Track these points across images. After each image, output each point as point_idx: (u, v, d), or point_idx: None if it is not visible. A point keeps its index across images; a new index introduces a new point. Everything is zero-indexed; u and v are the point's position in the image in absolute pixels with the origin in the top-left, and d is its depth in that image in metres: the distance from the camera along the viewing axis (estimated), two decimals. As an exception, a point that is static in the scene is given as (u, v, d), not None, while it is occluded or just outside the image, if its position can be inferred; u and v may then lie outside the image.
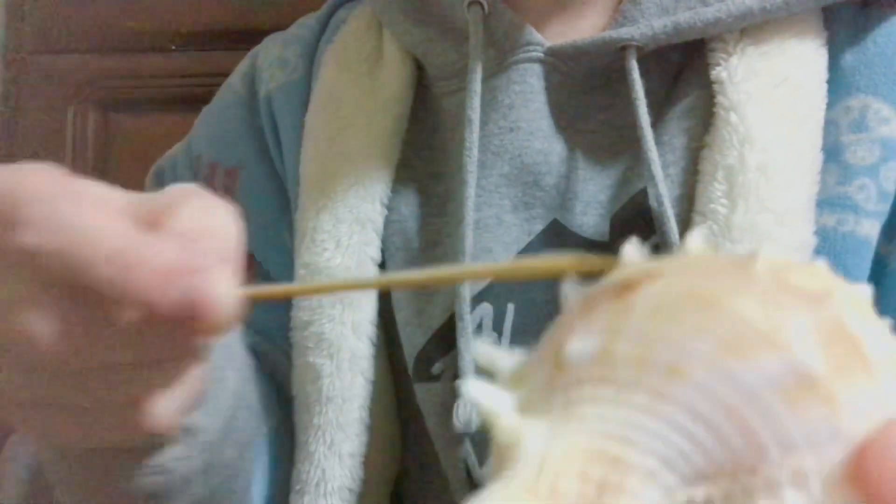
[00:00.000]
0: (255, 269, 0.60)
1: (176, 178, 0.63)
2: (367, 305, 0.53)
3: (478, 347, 0.23)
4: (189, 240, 0.30)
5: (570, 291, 0.22)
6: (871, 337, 0.20)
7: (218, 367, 0.40)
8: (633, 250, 0.23)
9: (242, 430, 0.44)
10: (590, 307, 0.21)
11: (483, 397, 0.21)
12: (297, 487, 0.52)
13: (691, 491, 0.19)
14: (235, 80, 0.63)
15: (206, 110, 0.64)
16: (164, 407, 0.34)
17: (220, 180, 0.60)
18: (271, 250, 0.58)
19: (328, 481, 0.51)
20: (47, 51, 1.15)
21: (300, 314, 0.53)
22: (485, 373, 0.22)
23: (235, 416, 0.42)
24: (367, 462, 0.53)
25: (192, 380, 0.35)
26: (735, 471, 0.19)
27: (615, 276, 0.22)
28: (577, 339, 0.21)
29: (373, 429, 0.53)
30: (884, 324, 0.21)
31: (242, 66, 0.64)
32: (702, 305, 0.20)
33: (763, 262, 0.21)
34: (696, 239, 0.23)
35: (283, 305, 0.57)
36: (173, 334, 0.31)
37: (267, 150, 0.60)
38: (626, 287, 0.21)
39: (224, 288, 0.29)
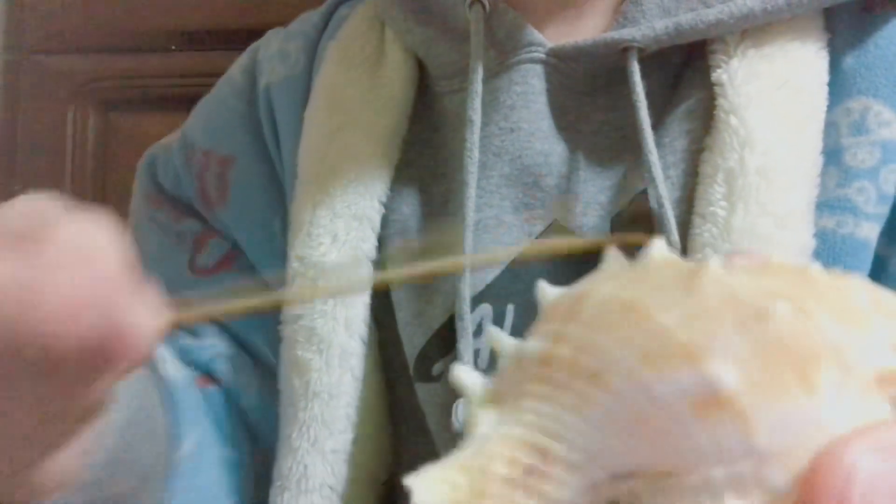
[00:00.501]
0: (238, 260, 0.60)
1: (169, 165, 0.63)
2: (360, 303, 0.53)
3: (491, 332, 0.24)
4: (81, 265, 0.26)
5: (546, 292, 0.24)
6: (819, 354, 0.20)
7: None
8: (660, 246, 0.24)
9: (137, 460, 0.43)
10: (553, 309, 0.23)
11: (464, 381, 0.23)
12: (278, 483, 0.51)
13: (616, 485, 0.20)
14: (235, 72, 0.63)
15: (203, 101, 0.64)
16: (66, 463, 0.30)
17: (213, 169, 0.60)
18: (260, 242, 0.58)
19: (310, 478, 0.51)
20: (47, 51, 1.15)
21: (291, 307, 0.53)
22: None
23: (130, 446, 0.41)
24: (351, 461, 0.52)
25: (93, 426, 0.32)
26: (654, 473, 0.20)
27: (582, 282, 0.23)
28: (533, 340, 0.23)
29: (358, 427, 0.53)
30: (857, 332, 0.21)
31: (243, 58, 0.64)
32: (632, 316, 0.21)
33: (710, 274, 0.21)
34: (659, 246, 0.24)
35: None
36: (79, 378, 0.27)
37: (263, 142, 0.60)
38: (581, 294, 0.23)
39: (140, 315, 0.26)
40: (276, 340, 0.55)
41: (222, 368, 0.57)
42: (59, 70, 1.13)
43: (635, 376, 0.20)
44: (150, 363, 0.51)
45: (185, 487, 0.50)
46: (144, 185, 0.64)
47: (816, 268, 0.22)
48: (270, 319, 0.55)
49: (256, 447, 0.56)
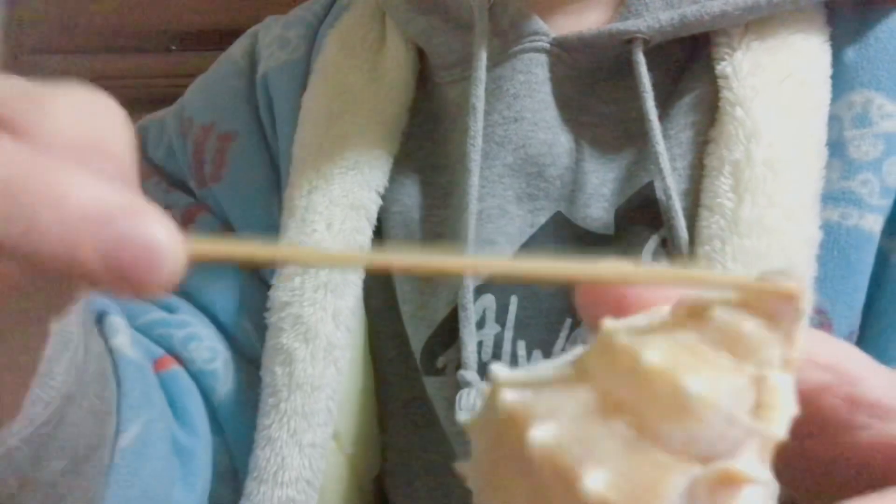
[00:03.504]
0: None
1: (162, 138, 0.62)
2: (349, 294, 0.52)
3: (494, 370, 0.23)
4: (86, 158, 0.22)
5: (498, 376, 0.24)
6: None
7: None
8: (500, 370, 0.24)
9: (73, 438, 0.40)
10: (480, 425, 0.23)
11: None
12: (255, 474, 0.50)
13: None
14: (236, 53, 0.63)
15: (202, 77, 0.64)
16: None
17: (212, 143, 0.59)
18: (254, 221, 0.57)
19: (287, 470, 0.50)
20: (47, 51, 1.15)
21: (279, 294, 0.52)
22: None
23: (62, 422, 0.39)
24: (332, 455, 0.51)
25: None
26: None
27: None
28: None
29: (344, 422, 0.52)
30: (693, 431, 0.21)
31: (244, 40, 0.63)
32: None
33: (533, 441, 0.21)
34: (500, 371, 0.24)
35: (235, 286, 0.56)
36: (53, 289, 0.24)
37: (261, 125, 0.59)
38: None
39: (164, 235, 0.20)
40: (260, 327, 0.53)
41: (195, 350, 0.54)
42: (59, 70, 1.13)
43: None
44: (103, 334, 0.49)
45: (126, 479, 0.47)
46: None
47: (649, 358, 0.21)
48: (256, 305, 0.54)
49: (220, 437, 0.55)
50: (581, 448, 0.21)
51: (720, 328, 0.22)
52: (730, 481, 0.20)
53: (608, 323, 0.22)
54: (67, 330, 0.38)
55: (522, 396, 0.22)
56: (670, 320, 0.22)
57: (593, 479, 0.20)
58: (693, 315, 0.22)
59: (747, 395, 0.21)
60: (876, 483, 0.23)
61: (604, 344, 0.22)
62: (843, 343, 0.25)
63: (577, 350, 0.23)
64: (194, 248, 0.21)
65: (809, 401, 0.23)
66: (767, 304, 0.22)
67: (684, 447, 0.20)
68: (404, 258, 0.23)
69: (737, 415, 0.20)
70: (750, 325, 0.21)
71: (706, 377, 0.21)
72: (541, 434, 0.21)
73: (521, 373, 0.23)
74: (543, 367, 0.23)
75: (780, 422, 0.21)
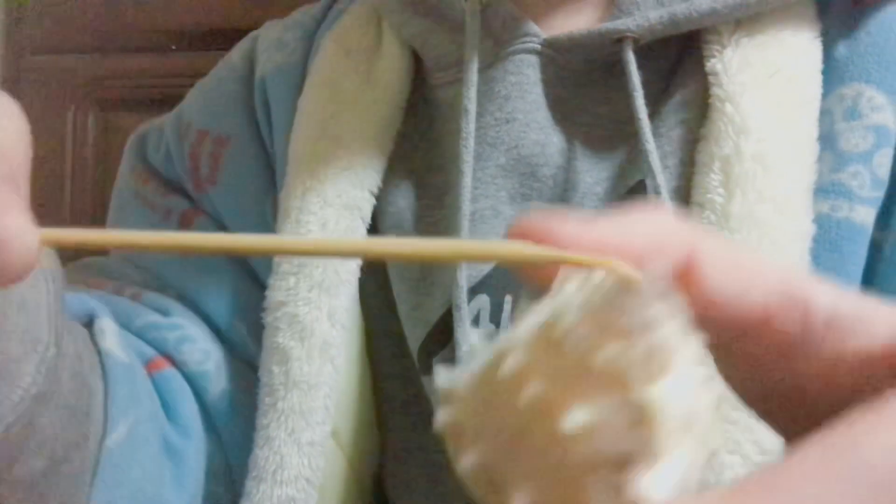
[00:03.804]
0: None
1: (161, 143, 0.62)
2: (343, 293, 0.52)
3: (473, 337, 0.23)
4: None
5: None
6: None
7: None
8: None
9: (50, 438, 0.41)
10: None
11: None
12: (254, 473, 0.50)
13: None
14: (235, 57, 0.63)
15: (201, 82, 0.64)
16: None
17: (207, 148, 0.60)
18: (250, 224, 0.58)
19: (286, 469, 0.50)
20: (47, 51, 1.15)
21: (274, 294, 0.53)
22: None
23: (35, 422, 0.39)
24: (331, 454, 0.52)
25: None
26: None
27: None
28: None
29: (341, 420, 0.52)
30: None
31: (243, 44, 0.64)
32: None
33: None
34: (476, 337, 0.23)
35: (228, 287, 0.56)
36: None
37: (258, 128, 0.60)
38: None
39: (17, 226, 0.22)
40: (255, 327, 0.54)
41: (188, 352, 0.55)
42: (59, 70, 1.14)
43: None
44: (92, 336, 0.49)
45: (114, 479, 0.47)
46: (132, 160, 0.63)
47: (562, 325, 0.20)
48: (250, 305, 0.54)
49: (214, 437, 0.55)
50: (507, 464, 0.20)
51: (576, 360, 0.20)
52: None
53: (476, 345, 0.22)
54: (36, 331, 0.39)
55: (455, 413, 0.21)
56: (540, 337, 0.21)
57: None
58: (551, 347, 0.21)
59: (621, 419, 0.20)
60: (843, 400, 0.22)
61: (527, 336, 0.21)
62: (778, 262, 0.24)
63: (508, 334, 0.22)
64: (47, 237, 0.23)
65: (759, 327, 0.23)
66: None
67: (590, 461, 0.20)
68: (255, 242, 0.23)
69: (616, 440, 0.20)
70: (602, 355, 0.20)
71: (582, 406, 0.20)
72: (466, 462, 0.21)
73: (463, 379, 0.22)
74: (480, 368, 0.22)
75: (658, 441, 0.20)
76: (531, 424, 0.20)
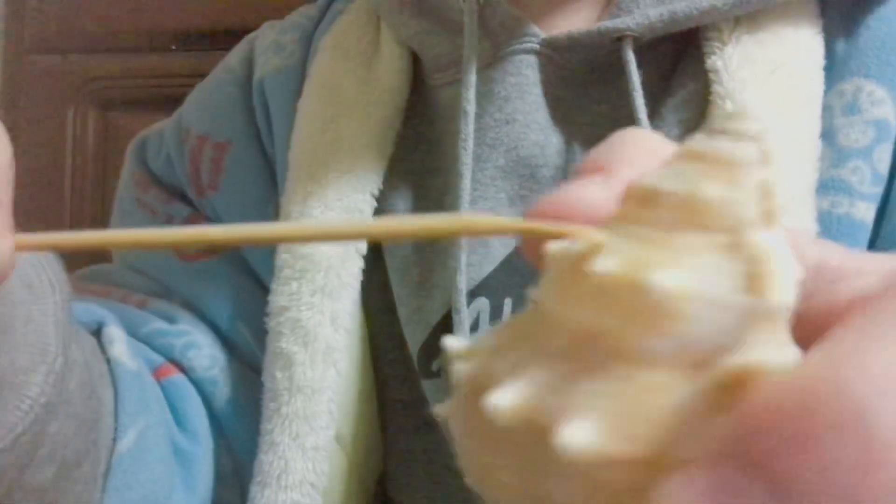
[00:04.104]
0: (227, 248, 0.59)
1: (161, 149, 0.62)
2: (346, 296, 0.52)
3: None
4: None
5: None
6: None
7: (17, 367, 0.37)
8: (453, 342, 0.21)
9: (60, 445, 0.41)
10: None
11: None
12: (259, 479, 0.51)
13: None
14: (233, 61, 0.63)
15: (200, 86, 0.64)
16: None
17: (208, 153, 0.60)
18: None
19: (290, 474, 0.50)
20: (47, 51, 1.15)
21: (277, 299, 0.53)
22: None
23: (45, 430, 0.39)
24: (335, 458, 0.52)
25: None
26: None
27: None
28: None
29: (345, 424, 0.52)
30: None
31: (240, 47, 0.64)
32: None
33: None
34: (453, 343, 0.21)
35: (231, 292, 0.56)
36: None
37: (258, 131, 0.60)
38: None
39: None
40: (258, 332, 0.54)
41: (195, 358, 0.55)
42: (59, 70, 1.14)
43: None
44: (100, 345, 0.50)
45: (124, 484, 0.48)
46: (133, 167, 0.63)
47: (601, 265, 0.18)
48: (254, 310, 0.54)
49: (222, 442, 0.55)
50: (555, 399, 0.17)
51: (674, 204, 0.18)
52: (745, 380, 0.16)
53: (552, 247, 0.19)
54: (44, 342, 0.39)
55: (477, 364, 0.19)
56: (620, 217, 0.19)
57: (571, 435, 0.16)
58: (644, 202, 0.18)
59: (731, 270, 0.17)
60: None
61: (553, 272, 0.19)
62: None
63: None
64: (21, 242, 0.23)
65: None
66: (722, 155, 0.18)
67: (676, 358, 0.16)
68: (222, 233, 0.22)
69: (724, 297, 0.17)
70: (707, 188, 0.18)
71: (673, 266, 0.17)
72: (502, 399, 0.18)
73: (480, 339, 0.20)
74: (502, 326, 0.20)
75: (780, 288, 0.17)
76: (591, 342, 0.17)
